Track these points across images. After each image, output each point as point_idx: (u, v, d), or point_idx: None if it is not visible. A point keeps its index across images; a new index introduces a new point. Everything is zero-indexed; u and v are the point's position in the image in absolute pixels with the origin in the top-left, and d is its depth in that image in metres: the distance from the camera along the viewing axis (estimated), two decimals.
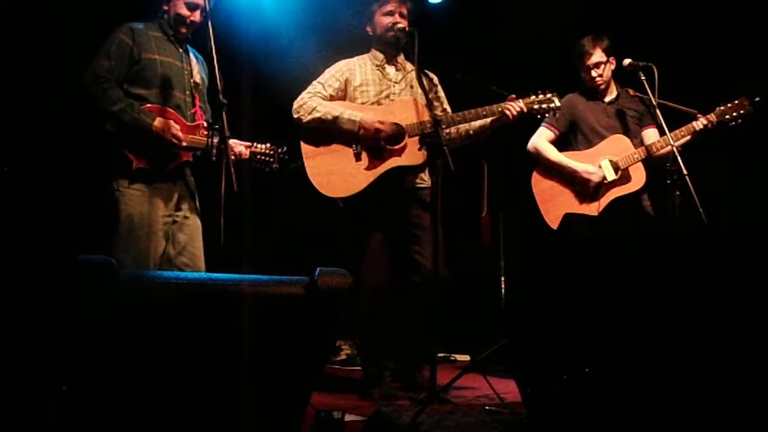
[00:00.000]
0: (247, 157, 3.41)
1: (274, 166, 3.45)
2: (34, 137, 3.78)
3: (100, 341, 1.88)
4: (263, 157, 3.43)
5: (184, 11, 3.31)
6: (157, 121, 3.16)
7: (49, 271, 1.89)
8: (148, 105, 3.20)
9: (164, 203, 3.23)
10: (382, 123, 3.43)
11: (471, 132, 3.62)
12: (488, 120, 3.53)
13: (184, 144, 3.22)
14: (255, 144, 3.43)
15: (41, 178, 3.77)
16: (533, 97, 3.52)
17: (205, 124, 3.30)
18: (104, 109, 3.13)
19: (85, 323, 1.86)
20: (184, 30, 3.35)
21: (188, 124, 3.29)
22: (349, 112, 3.47)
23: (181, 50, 3.37)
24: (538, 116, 3.61)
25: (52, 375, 1.86)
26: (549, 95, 3.53)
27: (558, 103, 3.55)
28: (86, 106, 3.18)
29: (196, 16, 3.32)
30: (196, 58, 3.47)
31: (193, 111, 3.34)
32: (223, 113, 3.02)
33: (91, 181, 3.33)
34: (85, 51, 3.28)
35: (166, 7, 3.35)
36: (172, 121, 3.19)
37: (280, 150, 3.46)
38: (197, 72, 3.42)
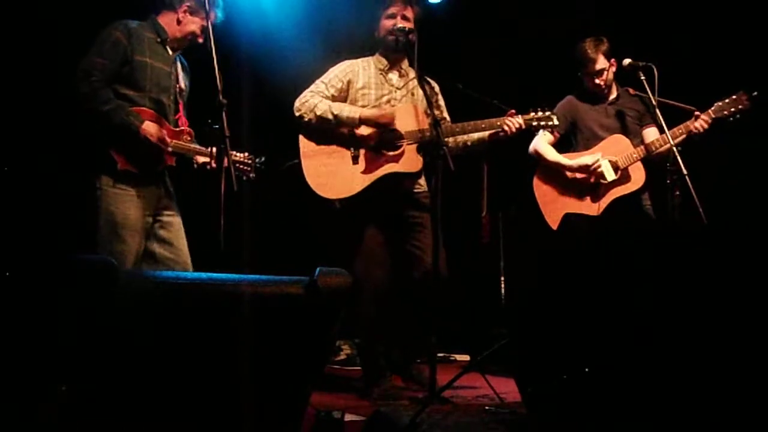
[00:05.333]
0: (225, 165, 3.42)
1: (251, 175, 3.47)
2: (20, 136, 3.78)
3: (99, 341, 1.88)
4: (242, 166, 3.43)
5: (198, 31, 3.36)
6: (146, 125, 3.18)
7: (48, 270, 1.88)
8: (137, 108, 3.21)
9: (147, 204, 3.26)
10: (382, 111, 3.45)
11: (469, 143, 3.63)
12: (486, 133, 3.55)
13: (170, 149, 3.25)
14: (234, 153, 3.43)
15: (33, 177, 3.78)
16: (532, 114, 3.54)
17: (190, 130, 3.36)
18: (94, 108, 3.13)
19: (85, 323, 1.86)
20: (185, 45, 3.39)
21: (173, 129, 3.32)
22: (350, 109, 3.49)
23: (171, 55, 3.39)
24: (536, 132, 3.65)
25: (51, 375, 1.86)
26: (548, 113, 3.55)
27: (557, 122, 3.59)
28: (75, 103, 3.16)
29: (201, 38, 3.37)
30: (182, 64, 3.49)
31: (177, 117, 3.38)
32: (223, 113, 3.03)
33: (74, 180, 3.34)
34: (70, 45, 3.28)
35: (180, 17, 3.35)
36: (158, 126, 3.22)
37: (257, 160, 3.48)
38: (182, 78, 3.45)
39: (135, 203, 3.20)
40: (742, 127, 3.76)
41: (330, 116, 3.47)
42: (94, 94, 3.12)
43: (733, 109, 3.73)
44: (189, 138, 3.36)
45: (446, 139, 3.56)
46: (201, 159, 3.38)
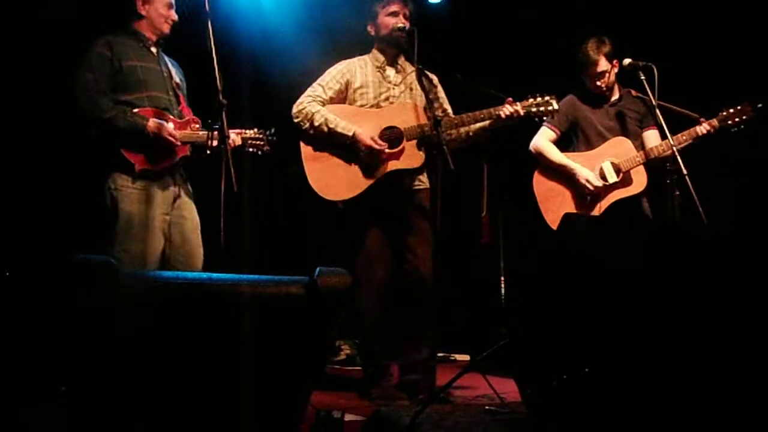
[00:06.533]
0: (240, 143, 3.44)
1: (265, 149, 3.50)
2: (32, 136, 3.79)
3: (100, 341, 1.88)
4: (255, 142, 3.47)
5: (165, 11, 3.37)
6: (151, 122, 3.22)
7: (49, 271, 1.89)
8: (139, 109, 3.26)
9: (162, 202, 3.28)
10: (375, 141, 3.42)
11: (471, 133, 3.61)
12: (486, 122, 3.54)
13: (179, 142, 3.28)
14: (244, 130, 3.47)
15: (39, 178, 3.78)
16: (531, 100, 3.51)
17: (195, 118, 3.38)
18: (98, 118, 3.18)
19: (85, 323, 1.86)
20: (166, 30, 3.40)
21: (179, 120, 3.35)
22: (344, 125, 3.45)
23: (155, 54, 3.42)
24: (536, 119, 3.59)
25: (52, 375, 1.86)
26: (547, 98, 3.51)
27: (556, 106, 3.54)
28: (80, 119, 3.22)
29: (174, 15, 3.39)
30: (171, 62, 3.52)
31: (180, 108, 3.41)
32: (223, 113, 3.04)
33: (89, 181, 3.35)
34: (73, 51, 3.31)
35: (143, 12, 3.36)
36: (164, 121, 3.25)
37: (268, 132, 3.51)
38: (175, 74, 3.48)
39: (151, 202, 3.23)
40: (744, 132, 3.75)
41: (325, 129, 3.47)
42: (95, 105, 3.19)
43: (737, 119, 3.72)
44: (197, 126, 3.38)
45: (448, 131, 3.55)
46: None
